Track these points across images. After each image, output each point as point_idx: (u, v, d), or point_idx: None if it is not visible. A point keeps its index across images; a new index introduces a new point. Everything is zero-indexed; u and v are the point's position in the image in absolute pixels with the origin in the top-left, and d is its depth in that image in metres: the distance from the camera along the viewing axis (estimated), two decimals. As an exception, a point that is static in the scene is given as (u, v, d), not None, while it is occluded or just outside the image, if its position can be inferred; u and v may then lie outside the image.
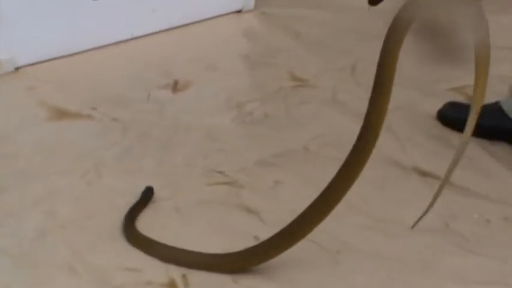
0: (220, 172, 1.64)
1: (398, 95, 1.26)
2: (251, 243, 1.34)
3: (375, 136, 1.32)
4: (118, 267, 1.37)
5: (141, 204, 1.58)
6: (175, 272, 1.40)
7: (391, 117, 1.34)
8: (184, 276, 1.39)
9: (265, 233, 1.32)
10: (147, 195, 1.56)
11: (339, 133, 1.77)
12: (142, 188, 1.54)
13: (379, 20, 1.27)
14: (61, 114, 1.86)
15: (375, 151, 1.23)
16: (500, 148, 1.80)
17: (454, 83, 2.01)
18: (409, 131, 1.82)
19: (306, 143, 1.75)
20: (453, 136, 1.79)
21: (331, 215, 1.25)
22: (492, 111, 1.78)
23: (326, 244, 1.39)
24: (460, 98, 1.95)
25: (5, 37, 2.00)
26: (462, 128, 1.33)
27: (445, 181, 1.37)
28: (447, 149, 1.72)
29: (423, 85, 1.99)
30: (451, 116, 1.86)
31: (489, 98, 1.37)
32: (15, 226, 1.43)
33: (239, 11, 2.43)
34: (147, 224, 1.44)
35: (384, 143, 1.32)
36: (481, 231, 1.51)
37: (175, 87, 2.00)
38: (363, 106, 1.28)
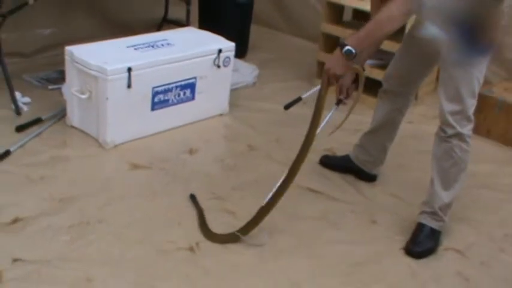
0: (213, 193, 3.30)
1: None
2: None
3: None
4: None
5: (199, 207, 2.96)
6: (193, 241, 2.82)
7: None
8: (197, 244, 2.78)
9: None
10: (195, 199, 3.02)
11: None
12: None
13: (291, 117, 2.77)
14: (135, 166, 3.35)
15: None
16: (350, 176, 3.48)
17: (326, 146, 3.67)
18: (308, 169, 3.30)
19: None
20: (327, 172, 3.51)
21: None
22: (345, 158, 3.53)
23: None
24: (330, 153, 3.63)
25: (110, 129, 3.42)
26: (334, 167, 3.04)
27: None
28: (327, 179, 3.45)
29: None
30: (326, 162, 3.57)
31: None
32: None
33: (221, 114, 4.03)
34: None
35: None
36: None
37: (191, 151, 3.58)
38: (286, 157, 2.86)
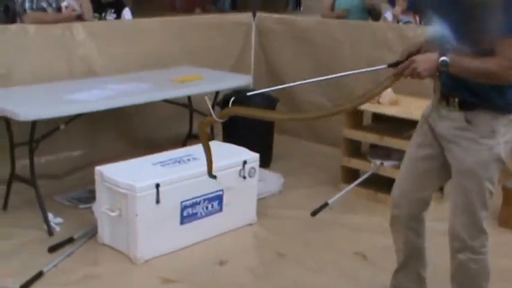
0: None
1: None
2: None
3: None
4: None
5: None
6: None
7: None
8: None
9: None
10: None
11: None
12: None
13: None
14: (166, 281, 3.36)
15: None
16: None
17: (356, 249, 3.71)
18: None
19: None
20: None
21: None
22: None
23: None
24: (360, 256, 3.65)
25: (140, 244, 3.47)
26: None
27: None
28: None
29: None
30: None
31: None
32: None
33: (250, 224, 4.06)
34: None
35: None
36: None
37: (221, 263, 3.57)
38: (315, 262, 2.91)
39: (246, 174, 3.92)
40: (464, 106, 2.56)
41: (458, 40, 2.40)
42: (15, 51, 4.45)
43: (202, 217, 3.76)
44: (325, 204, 4.06)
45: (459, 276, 2.75)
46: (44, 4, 4.64)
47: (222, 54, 5.68)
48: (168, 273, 3.46)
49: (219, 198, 3.82)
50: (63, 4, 4.72)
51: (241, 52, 5.97)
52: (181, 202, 3.63)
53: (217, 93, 4.95)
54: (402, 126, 4.26)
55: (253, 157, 3.99)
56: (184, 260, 3.61)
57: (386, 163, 4.38)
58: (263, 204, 4.28)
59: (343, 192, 4.20)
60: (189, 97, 5.00)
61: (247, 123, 4.97)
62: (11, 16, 9.15)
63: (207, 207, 3.77)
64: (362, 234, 3.99)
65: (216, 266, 3.58)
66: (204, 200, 3.74)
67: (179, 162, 3.81)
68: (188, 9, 13.65)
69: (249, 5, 6.61)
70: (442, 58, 2.39)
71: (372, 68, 2.62)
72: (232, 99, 2.62)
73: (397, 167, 4.23)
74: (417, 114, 4.03)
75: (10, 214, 4.14)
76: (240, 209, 3.96)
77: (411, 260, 3.00)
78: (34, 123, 3.81)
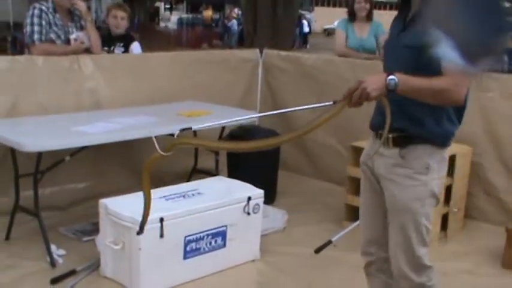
0: None
1: None
2: None
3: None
4: None
5: None
6: None
7: None
8: None
9: None
10: None
11: None
12: None
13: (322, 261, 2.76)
14: None
15: None
16: None
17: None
18: None
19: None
20: None
21: None
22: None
23: None
24: None
25: (143, 278, 3.43)
26: None
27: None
28: None
29: None
30: None
31: None
32: None
33: (253, 260, 4.03)
34: None
35: None
36: None
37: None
38: None
39: (251, 211, 3.92)
40: (398, 142, 2.55)
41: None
42: (22, 82, 4.49)
43: (205, 252, 3.75)
44: (329, 242, 4.04)
45: None
46: (53, 36, 4.68)
47: (228, 89, 5.72)
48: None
49: (223, 234, 3.81)
50: (72, 36, 4.77)
51: (248, 88, 6.01)
52: (185, 237, 3.62)
53: (223, 128, 4.97)
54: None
55: (257, 193, 3.98)
56: (186, 296, 3.59)
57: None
58: (267, 240, 4.26)
59: (346, 230, 4.18)
60: (194, 132, 5.01)
61: (252, 159, 5.02)
62: (19, 47, 9.25)
63: (210, 243, 3.76)
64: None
65: (219, 302, 3.56)
66: (208, 235, 3.73)
67: (184, 196, 3.81)
68: (195, 45, 13.79)
69: (256, 42, 6.68)
70: (390, 77, 2.35)
71: (318, 105, 2.55)
72: (177, 131, 2.47)
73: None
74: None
75: (13, 245, 4.13)
76: (243, 245, 3.95)
77: None
78: (40, 155, 3.82)
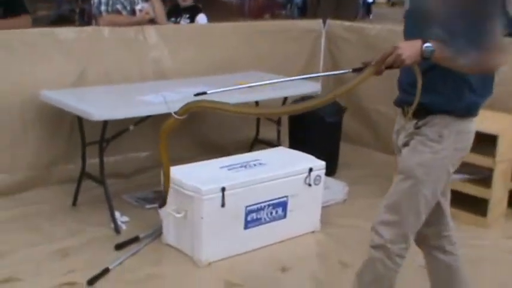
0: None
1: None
2: None
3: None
4: None
5: None
6: None
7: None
8: None
9: None
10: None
11: None
12: None
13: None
14: (230, 284, 3.36)
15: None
16: None
17: None
18: None
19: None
20: None
21: None
22: None
23: None
24: None
25: (204, 247, 3.50)
26: None
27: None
28: None
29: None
30: None
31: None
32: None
33: (313, 232, 4.05)
34: None
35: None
36: None
37: (283, 269, 3.58)
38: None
39: (312, 182, 3.91)
40: (417, 114, 2.47)
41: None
42: (90, 53, 4.57)
43: (266, 222, 3.77)
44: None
45: (363, 272, 2.62)
46: (119, 7, 4.75)
47: (290, 60, 5.68)
48: (231, 277, 3.48)
49: (284, 205, 3.82)
50: (137, 7, 4.83)
51: (310, 59, 5.96)
52: (246, 207, 3.65)
53: (285, 99, 4.96)
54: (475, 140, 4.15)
55: (319, 165, 3.97)
56: (246, 265, 3.62)
57: (456, 176, 4.27)
58: (327, 212, 4.26)
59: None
60: (256, 102, 5.02)
61: (314, 130, 5.01)
62: (87, 18, 9.40)
63: (271, 213, 3.78)
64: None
65: (279, 272, 3.58)
66: (269, 205, 3.75)
67: (245, 167, 3.83)
68: (257, 15, 13.73)
69: (319, 12, 6.60)
70: (427, 44, 2.27)
71: (335, 72, 2.47)
72: (195, 94, 2.41)
73: (468, 181, 4.17)
74: (493, 128, 3.99)
75: (79, 211, 4.25)
76: (304, 216, 3.95)
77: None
78: (105, 123, 3.90)
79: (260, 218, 3.74)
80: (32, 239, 3.82)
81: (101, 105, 3.93)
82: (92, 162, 4.17)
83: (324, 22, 6.01)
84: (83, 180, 4.27)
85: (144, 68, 4.84)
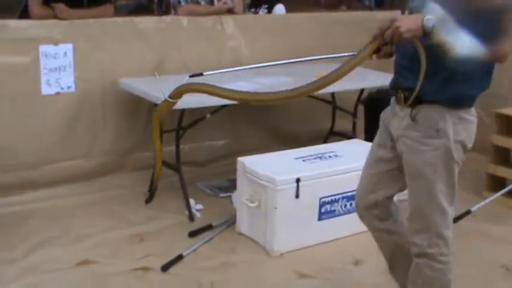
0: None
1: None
2: None
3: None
4: None
5: None
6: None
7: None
8: None
9: None
10: None
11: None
12: None
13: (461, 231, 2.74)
14: (302, 275, 3.38)
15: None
16: None
17: None
18: None
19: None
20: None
21: None
22: None
23: None
24: None
25: (277, 237, 3.51)
26: None
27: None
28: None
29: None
30: None
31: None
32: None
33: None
34: None
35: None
36: None
37: (356, 262, 3.55)
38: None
39: (387, 175, 3.84)
40: (411, 103, 2.37)
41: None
42: (168, 42, 4.63)
43: (340, 215, 3.74)
44: (468, 212, 3.91)
45: (414, 277, 2.58)
46: (198, -3, 4.79)
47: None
48: (303, 268, 3.47)
49: (358, 198, 3.77)
50: (216, -3, 4.85)
51: (387, 50, 5.85)
52: (320, 198, 3.63)
53: (361, 91, 4.90)
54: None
55: (395, 158, 3.90)
56: (319, 256, 3.60)
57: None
58: (401, 206, 4.17)
59: (487, 200, 4.02)
60: (332, 93, 4.98)
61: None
62: (165, 8, 9.52)
63: (345, 205, 3.74)
64: (506, 246, 3.81)
65: (351, 265, 3.55)
66: (343, 198, 3.72)
67: (320, 158, 3.81)
68: (333, 6, 13.60)
69: (397, 3, 6.48)
70: (428, 17, 2.15)
71: (348, 54, 2.38)
72: (187, 77, 2.35)
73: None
74: None
75: (154, 197, 4.31)
76: (378, 210, 3.89)
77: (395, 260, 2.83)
78: (182, 112, 3.94)
79: (334, 210, 3.71)
80: (109, 224, 3.91)
81: (178, 93, 3.97)
82: (168, 149, 4.22)
83: (403, 13, 5.87)
84: (159, 167, 4.32)
85: (221, 57, 4.86)
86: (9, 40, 4.03)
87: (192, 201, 4.09)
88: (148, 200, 4.21)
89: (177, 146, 4.07)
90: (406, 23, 2.17)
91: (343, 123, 5.24)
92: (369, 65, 5.30)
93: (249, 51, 4.96)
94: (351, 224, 3.76)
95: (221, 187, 4.46)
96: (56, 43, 4.15)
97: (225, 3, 4.85)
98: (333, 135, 5.21)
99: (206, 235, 3.78)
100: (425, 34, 2.16)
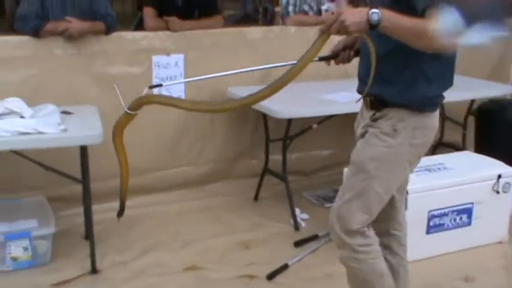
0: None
1: None
2: None
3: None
4: None
5: None
6: None
7: None
8: None
9: None
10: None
11: None
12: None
13: None
14: None
15: None
16: None
17: None
18: None
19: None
20: None
21: None
22: None
23: None
24: None
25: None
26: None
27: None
28: None
29: None
30: None
31: None
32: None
33: (500, 242, 3.84)
34: None
35: None
36: None
37: (466, 279, 3.44)
38: None
39: (500, 189, 3.72)
40: (374, 105, 2.39)
41: None
42: (276, 51, 4.65)
43: (449, 229, 3.65)
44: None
45: (348, 274, 2.56)
46: (306, 7, 4.81)
47: (477, 61, 5.43)
48: (410, 283, 3.38)
49: (469, 212, 3.67)
50: (323, 7, 4.86)
51: (499, 60, 5.65)
52: (429, 211, 3.55)
53: (472, 101, 4.76)
54: None
55: (509, 171, 3.78)
56: (427, 271, 3.52)
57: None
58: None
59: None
60: (441, 104, 4.86)
61: (504, 134, 4.75)
62: (269, 17, 9.60)
63: (455, 219, 3.65)
64: None
65: (461, 281, 3.45)
66: (453, 211, 3.62)
67: (429, 170, 3.72)
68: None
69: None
70: (373, 10, 2.09)
71: (282, 64, 2.31)
72: (146, 89, 2.29)
73: None
74: None
75: (260, 205, 4.37)
76: (490, 225, 3.77)
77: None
78: (289, 121, 3.96)
79: (443, 224, 3.62)
80: (216, 230, 3.98)
81: (286, 103, 3.99)
82: (274, 158, 4.26)
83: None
84: (265, 176, 4.37)
85: (327, 66, 4.84)
86: (126, 51, 4.18)
87: (297, 211, 4.11)
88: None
89: (284, 155, 4.10)
90: (352, 16, 2.14)
91: (453, 135, 5.11)
92: (481, 75, 5.20)
93: (355, 61, 4.91)
94: (461, 239, 3.70)
95: (326, 197, 4.44)
96: (168, 53, 4.28)
97: (332, 13, 4.83)
98: (441, 146, 5.09)
99: (311, 245, 3.78)
100: (371, 28, 2.13)
